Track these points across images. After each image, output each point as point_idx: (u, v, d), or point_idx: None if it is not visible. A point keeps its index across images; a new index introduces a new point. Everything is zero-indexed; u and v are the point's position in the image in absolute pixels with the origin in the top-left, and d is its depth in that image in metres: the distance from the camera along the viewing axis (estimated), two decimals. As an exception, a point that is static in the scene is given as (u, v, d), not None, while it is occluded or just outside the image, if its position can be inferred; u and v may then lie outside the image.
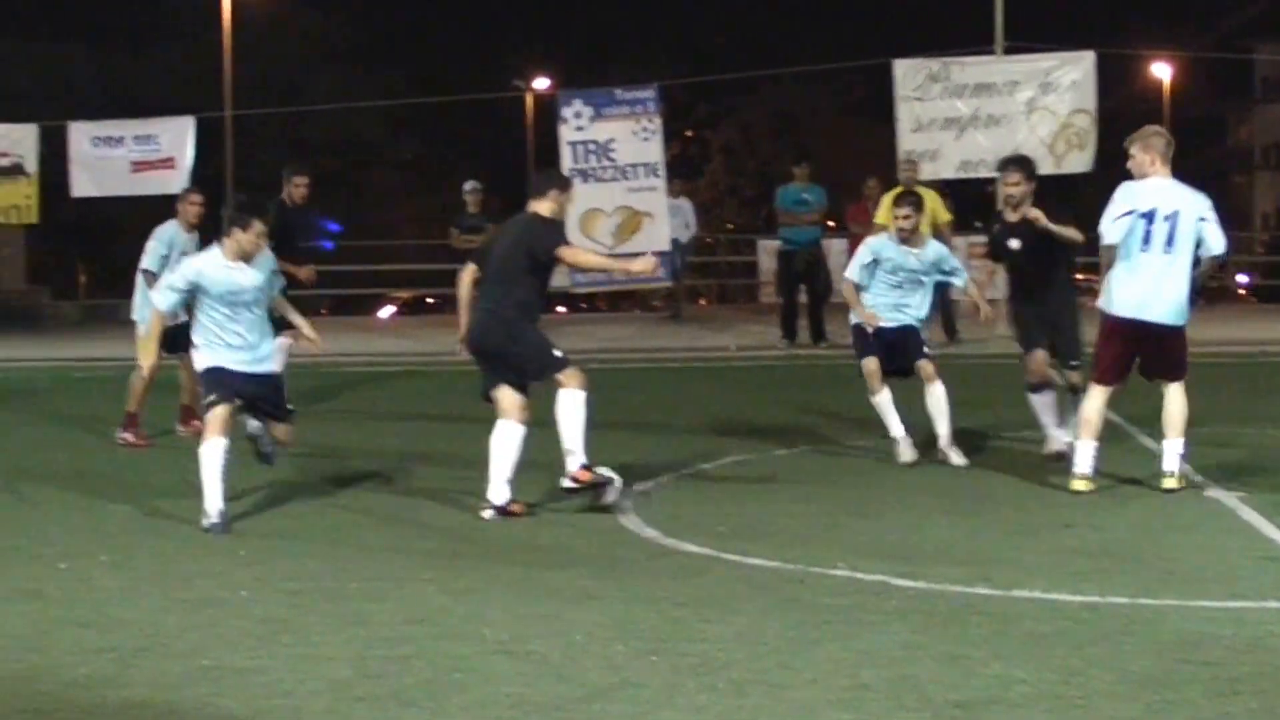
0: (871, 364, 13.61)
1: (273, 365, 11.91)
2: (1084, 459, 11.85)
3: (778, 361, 23.25)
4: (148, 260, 15.74)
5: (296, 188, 17.09)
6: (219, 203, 35.31)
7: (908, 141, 25.03)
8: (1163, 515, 11.13)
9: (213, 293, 11.37)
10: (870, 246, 13.84)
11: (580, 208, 25.98)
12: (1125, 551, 9.99)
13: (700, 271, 42.31)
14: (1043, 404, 13.33)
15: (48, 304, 39.79)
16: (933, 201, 21.87)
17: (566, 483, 11.38)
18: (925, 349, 13.73)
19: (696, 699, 6.96)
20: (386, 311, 41.07)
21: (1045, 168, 21.04)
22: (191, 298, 11.52)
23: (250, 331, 11.51)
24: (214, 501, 10.95)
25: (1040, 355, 13.09)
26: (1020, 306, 13.34)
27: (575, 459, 11.34)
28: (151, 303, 12.35)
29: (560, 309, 38.79)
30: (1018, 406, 13.87)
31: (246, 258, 11.49)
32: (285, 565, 9.87)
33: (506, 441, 11.34)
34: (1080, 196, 28.15)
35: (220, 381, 11.31)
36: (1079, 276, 16.67)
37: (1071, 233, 12.71)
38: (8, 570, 9.83)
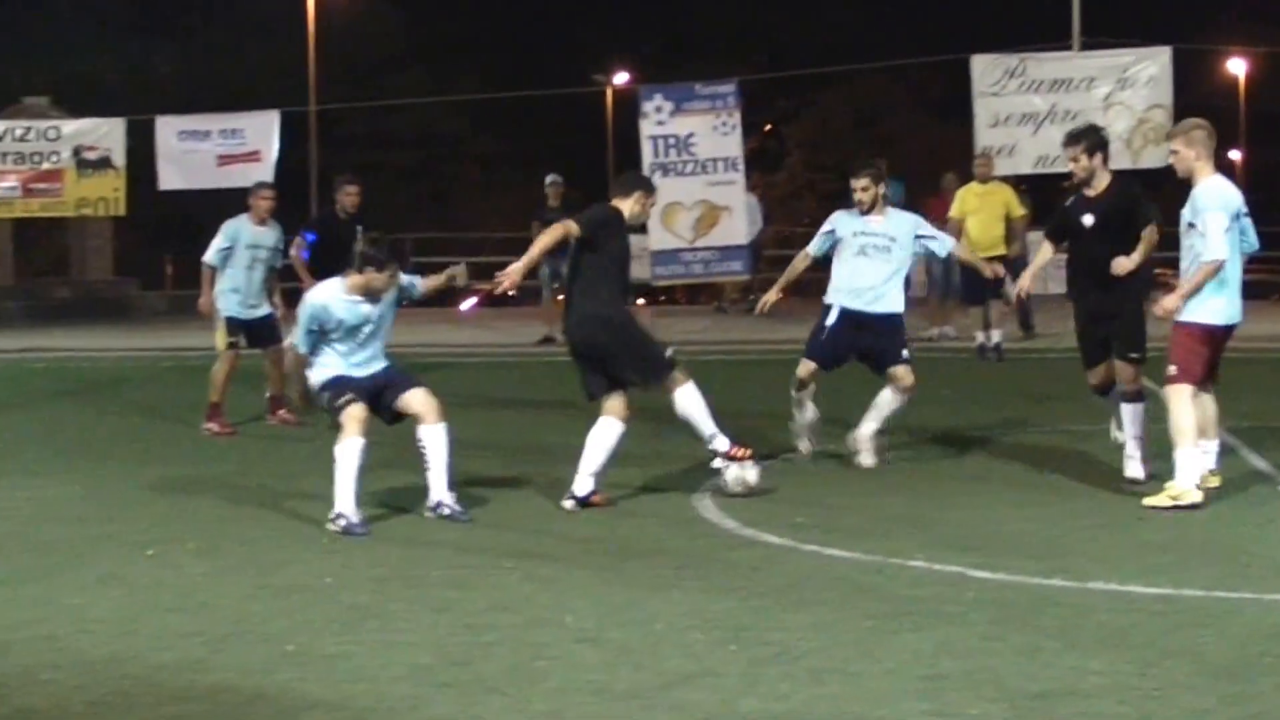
0: (808, 368, 13.21)
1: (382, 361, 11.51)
2: (1201, 464, 11.25)
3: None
4: (209, 254, 15.90)
5: (348, 196, 17.02)
6: (304, 197, 35.60)
7: (985, 137, 25.05)
8: (1238, 508, 11.12)
9: (340, 328, 11.05)
10: (831, 218, 13.47)
11: (661, 202, 26.14)
12: (1200, 544, 10.00)
13: (778, 265, 42.15)
14: (1132, 414, 12.18)
15: (135, 295, 40.17)
16: (1008, 196, 21.89)
17: (719, 463, 11.63)
18: (904, 352, 13.18)
19: (776, 687, 7.03)
20: (468, 304, 41.17)
21: (1122, 162, 21.08)
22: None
23: (367, 349, 11.23)
24: (348, 502, 10.68)
25: (1100, 371, 12.30)
26: (1081, 297, 12.42)
27: (720, 440, 11.62)
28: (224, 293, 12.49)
29: (639, 301, 38.84)
30: (1086, 400, 13.68)
31: (372, 297, 11.13)
32: (369, 553, 10.01)
33: (605, 438, 11.39)
34: (1160, 193, 28.00)
35: (346, 384, 11.05)
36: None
37: (1149, 240, 11.90)
38: (97, 557, 9.99)
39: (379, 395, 11.15)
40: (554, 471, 12.03)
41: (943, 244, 13.65)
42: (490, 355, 24.26)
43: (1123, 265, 11.77)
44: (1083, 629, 7.93)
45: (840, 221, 13.34)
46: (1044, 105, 25.16)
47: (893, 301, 13.15)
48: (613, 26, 61.09)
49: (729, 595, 8.71)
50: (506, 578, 9.28)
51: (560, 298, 24.89)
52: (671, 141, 26.30)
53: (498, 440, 14.80)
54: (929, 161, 42.99)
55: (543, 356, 22.29)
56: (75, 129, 27.90)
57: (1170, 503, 10.92)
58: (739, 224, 26.34)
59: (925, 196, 27.38)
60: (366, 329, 11.14)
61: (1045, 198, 29.71)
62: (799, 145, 64.81)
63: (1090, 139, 12.21)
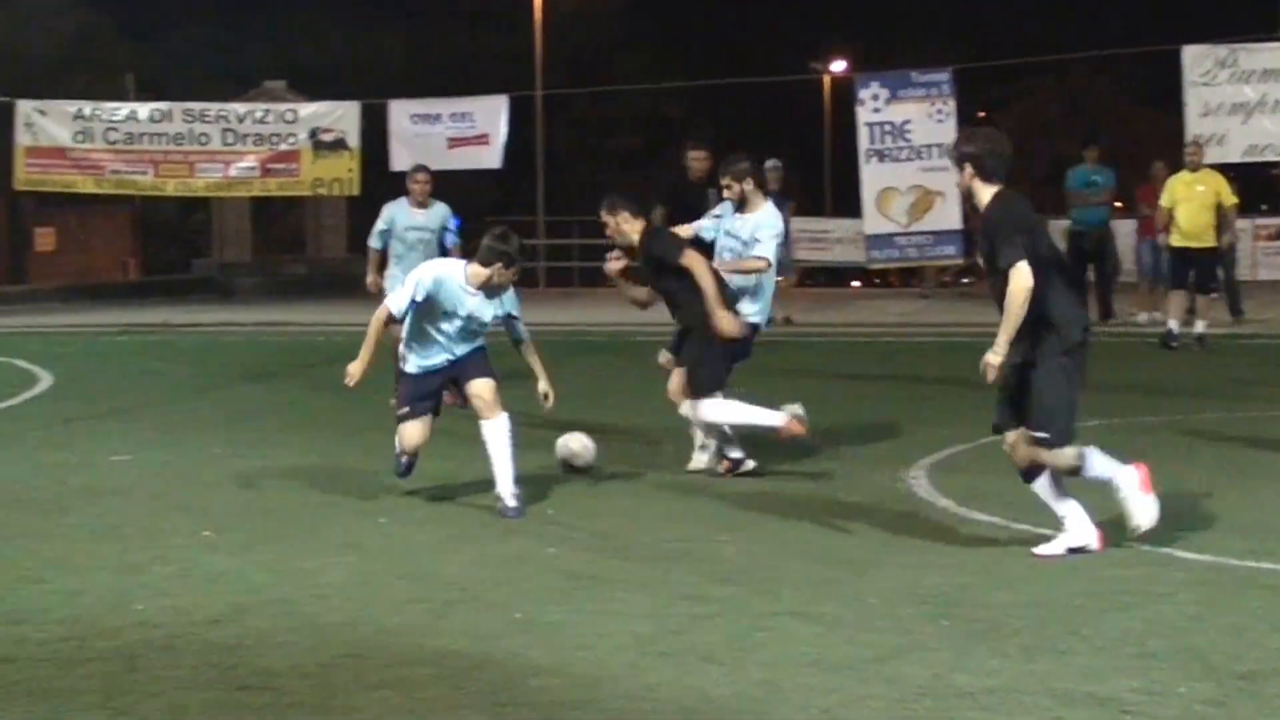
0: None
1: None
2: None
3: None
4: (371, 236, 16.36)
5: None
6: (531, 178, 35.87)
7: (1195, 126, 24.85)
8: None
9: (438, 312, 10.80)
10: (719, 208, 12.78)
11: (876, 187, 26.41)
12: None
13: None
14: None
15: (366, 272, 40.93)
16: (1219, 184, 21.63)
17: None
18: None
19: (987, 663, 7.10)
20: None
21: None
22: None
23: (462, 344, 10.95)
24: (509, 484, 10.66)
25: None
26: None
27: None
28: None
29: (855, 283, 38.88)
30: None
31: (489, 291, 10.84)
32: (590, 524, 10.22)
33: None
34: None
35: (418, 390, 11.02)
36: None
37: None
38: (331, 524, 10.30)
39: (456, 378, 11.02)
40: (762, 450, 12.16)
41: (755, 248, 12.20)
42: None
43: None
44: (1292, 611, 7.91)
45: (724, 211, 12.61)
46: (1254, 95, 24.90)
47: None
48: (829, 16, 60.99)
49: (940, 571, 8.81)
50: (722, 550, 9.45)
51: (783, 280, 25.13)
52: (887, 128, 26.48)
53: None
54: (1136, 150, 42.54)
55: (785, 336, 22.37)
56: (312, 112, 28.50)
57: None
58: (952, 209, 26.35)
59: (1136, 184, 27.30)
60: (463, 322, 10.81)
61: (1252, 186, 29.46)
62: (1009, 133, 64.26)
63: None
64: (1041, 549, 9.24)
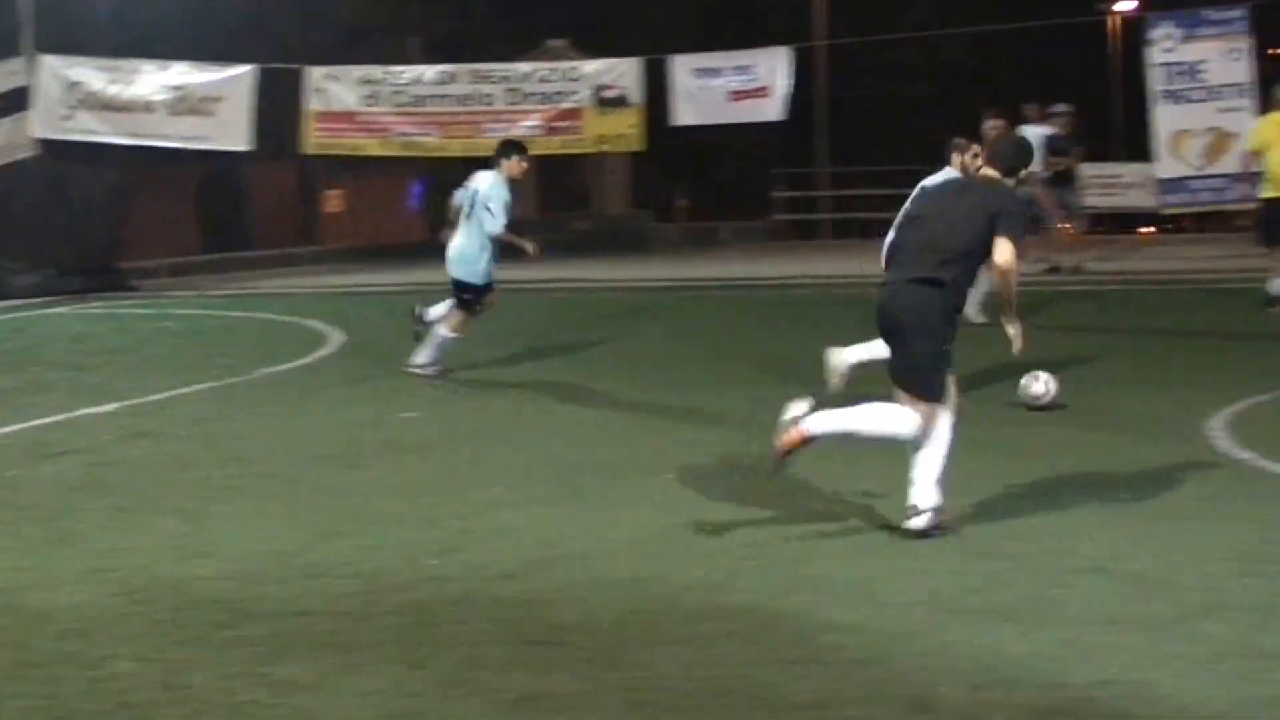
0: None
1: None
2: None
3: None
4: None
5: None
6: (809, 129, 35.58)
7: None
8: None
9: None
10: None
11: (1169, 129, 25.77)
12: None
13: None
14: None
15: (650, 227, 41.25)
16: None
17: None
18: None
19: (1295, 624, 6.88)
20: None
21: None
22: None
23: None
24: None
25: None
26: None
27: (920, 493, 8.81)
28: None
29: (1147, 228, 38.06)
30: None
31: None
32: (881, 482, 9.74)
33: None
34: None
35: None
36: None
37: None
38: (621, 481, 10.33)
39: None
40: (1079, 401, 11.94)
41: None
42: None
43: None
44: None
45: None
46: None
47: None
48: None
49: (1247, 527, 8.58)
50: (1020, 505, 9.28)
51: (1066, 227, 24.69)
52: (1180, 69, 25.83)
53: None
54: None
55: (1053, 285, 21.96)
56: (594, 69, 28.68)
57: None
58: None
59: None
60: None
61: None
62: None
63: None
64: None
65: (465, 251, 15.05)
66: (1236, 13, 25.83)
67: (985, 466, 10.39)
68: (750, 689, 6.29)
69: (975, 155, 12.64)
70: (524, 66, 29.61)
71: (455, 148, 29.08)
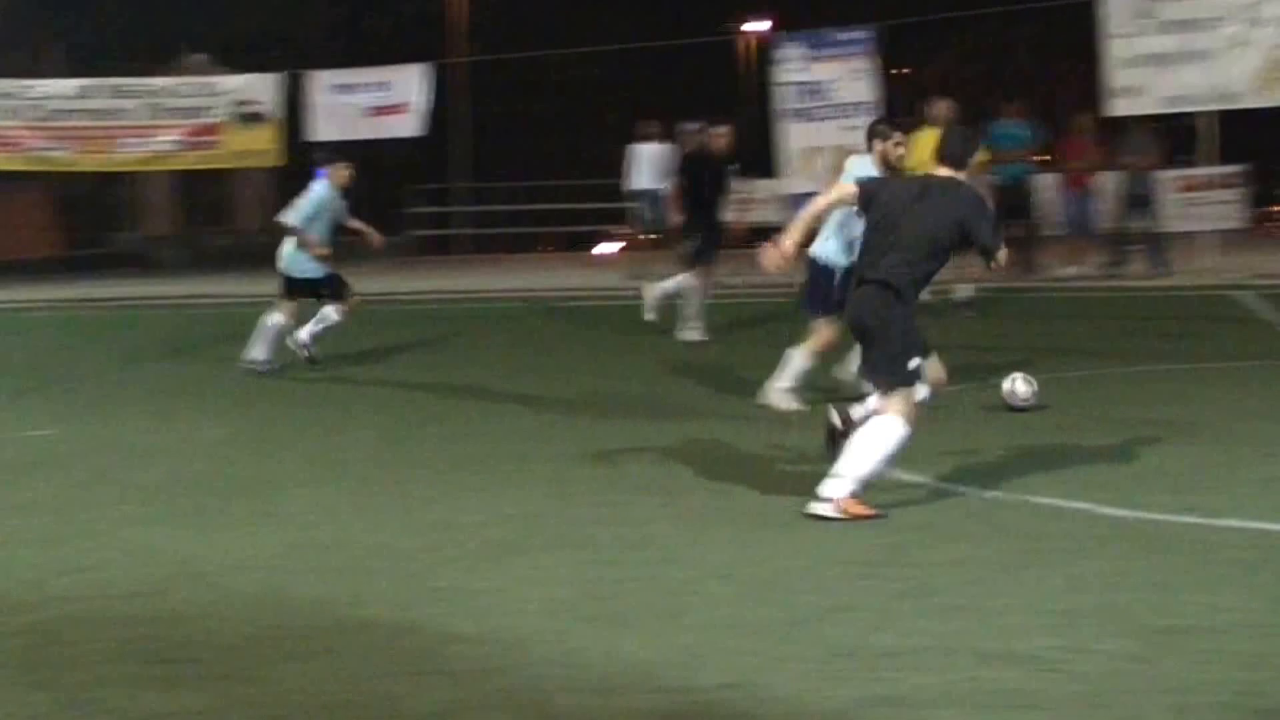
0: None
1: None
2: None
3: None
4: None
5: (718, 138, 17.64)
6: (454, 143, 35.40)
7: (1116, 78, 24.66)
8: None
9: None
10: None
11: (799, 145, 26.46)
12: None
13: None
14: None
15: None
16: None
17: (820, 509, 9.15)
18: None
19: (912, 623, 7.09)
20: (607, 248, 41.32)
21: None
22: None
23: None
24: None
25: None
26: None
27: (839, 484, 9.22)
28: None
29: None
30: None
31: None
32: (513, 493, 10.16)
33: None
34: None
35: None
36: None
37: None
38: (250, 496, 10.23)
39: None
40: (693, 417, 12.10)
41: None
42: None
43: None
44: (1213, 565, 7.93)
45: None
46: (1174, 46, 24.63)
47: None
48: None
49: (867, 531, 8.79)
50: (645, 514, 9.41)
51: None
52: (809, 88, 26.56)
53: (642, 384, 14.97)
54: (1054, 104, 42.79)
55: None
56: (234, 84, 28.41)
57: None
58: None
59: (1058, 139, 27.63)
60: None
61: (1176, 138, 29.50)
62: (929, 89, 64.51)
63: None
64: None
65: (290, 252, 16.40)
66: (862, 34, 26.65)
67: (609, 475, 10.65)
68: (376, 702, 6.28)
69: (898, 144, 12.45)
70: (163, 81, 29.22)
71: (89, 163, 28.58)
